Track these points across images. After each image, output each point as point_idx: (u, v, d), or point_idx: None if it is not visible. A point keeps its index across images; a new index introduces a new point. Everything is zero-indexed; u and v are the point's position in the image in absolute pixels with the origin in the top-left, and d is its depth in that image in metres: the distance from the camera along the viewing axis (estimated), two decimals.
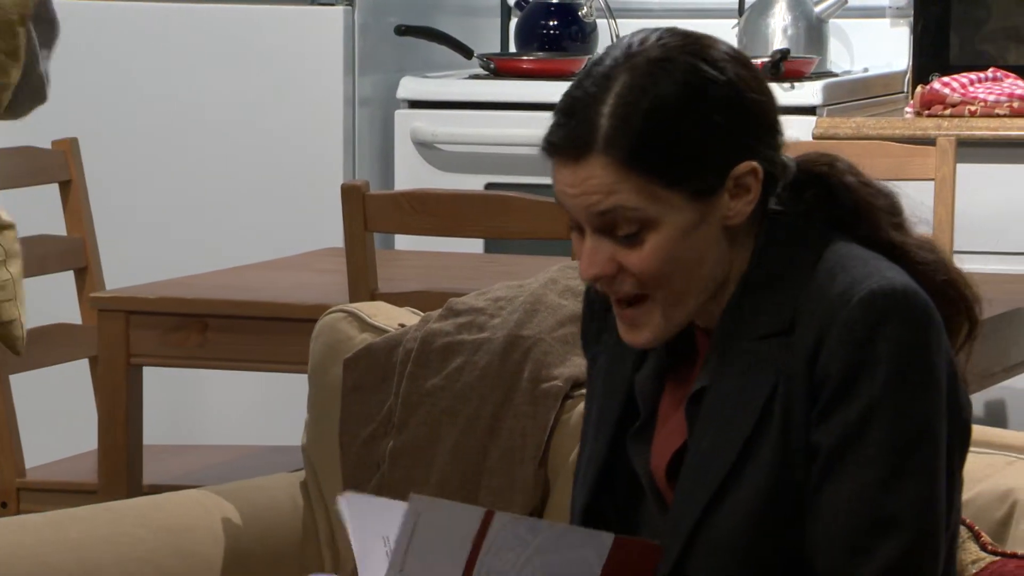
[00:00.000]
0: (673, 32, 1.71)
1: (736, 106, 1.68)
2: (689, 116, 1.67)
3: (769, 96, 1.71)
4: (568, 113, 1.69)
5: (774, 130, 1.71)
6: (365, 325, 2.30)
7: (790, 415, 1.67)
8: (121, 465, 2.98)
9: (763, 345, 1.69)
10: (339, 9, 4.05)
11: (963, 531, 1.79)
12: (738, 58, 1.71)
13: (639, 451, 1.76)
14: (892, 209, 1.74)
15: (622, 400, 1.78)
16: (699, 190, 1.67)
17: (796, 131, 3.78)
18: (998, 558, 1.75)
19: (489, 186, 3.98)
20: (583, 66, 1.75)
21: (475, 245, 3.83)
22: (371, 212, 2.87)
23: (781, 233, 1.72)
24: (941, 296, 1.71)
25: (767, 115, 1.71)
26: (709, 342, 1.73)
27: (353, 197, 2.87)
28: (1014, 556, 1.75)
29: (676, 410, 1.75)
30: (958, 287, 1.73)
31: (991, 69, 3.82)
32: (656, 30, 1.71)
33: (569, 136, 1.68)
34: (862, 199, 1.73)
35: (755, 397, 1.68)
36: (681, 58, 1.68)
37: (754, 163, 1.69)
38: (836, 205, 1.73)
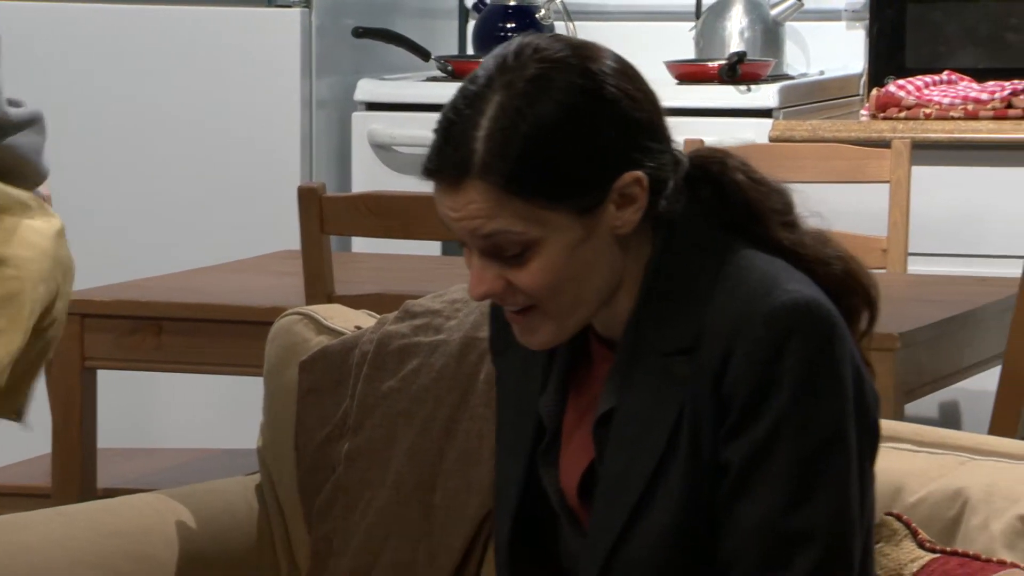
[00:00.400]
0: (551, 43, 1.66)
1: (617, 119, 1.65)
2: (568, 136, 1.64)
3: (652, 101, 1.68)
4: (445, 137, 1.66)
5: (659, 134, 1.68)
6: (321, 327, 2.30)
7: (699, 433, 1.67)
8: (75, 469, 2.96)
9: (669, 362, 1.68)
10: (296, 11, 4.04)
11: (900, 529, 1.80)
12: (618, 66, 1.67)
13: (548, 471, 1.76)
14: (783, 208, 1.72)
15: (533, 420, 1.77)
16: (583, 207, 1.65)
17: (752, 134, 3.80)
18: (938, 555, 1.76)
19: None
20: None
21: (432, 247, 3.83)
22: (328, 214, 2.86)
23: (678, 238, 1.70)
24: (839, 287, 1.70)
25: (650, 122, 1.68)
26: (614, 358, 1.72)
27: (310, 199, 2.87)
28: (955, 553, 1.76)
29: (580, 425, 1.75)
30: (856, 276, 1.72)
31: (946, 72, 3.84)
32: (532, 40, 1.67)
33: (446, 161, 1.65)
34: (752, 198, 1.71)
35: (664, 416, 1.68)
36: (558, 75, 1.64)
37: (637, 173, 1.66)
38: (728, 204, 1.71)
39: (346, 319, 2.32)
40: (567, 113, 1.64)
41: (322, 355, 2.25)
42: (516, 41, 1.67)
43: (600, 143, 1.65)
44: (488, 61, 1.67)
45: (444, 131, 1.66)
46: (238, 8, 4.05)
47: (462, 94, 1.66)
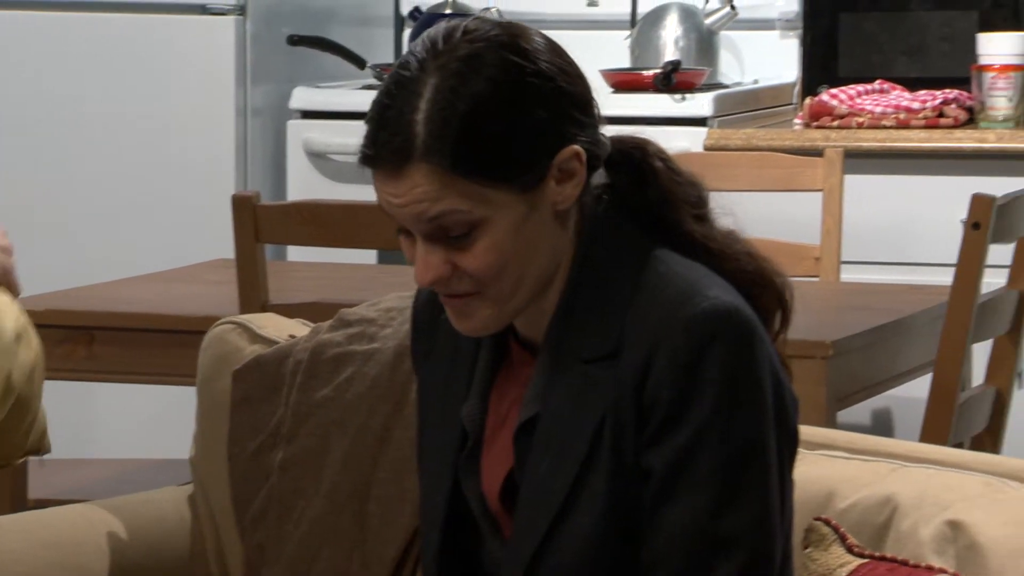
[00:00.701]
0: (479, 24, 1.67)
1: (552, 94, 1.66)
2: (506, 112, 1.64)
3: (582, 76, 1.70)
4: (381, 123, 1.65)
5: (590, 109, 1.70)
6: (255, 336, 2.29)
7: (621, 438, 1.67)
8: (5, 479, 2.94)
9: (590, 368, 1.68)
10: (230, 19, 4.03)
11: (829, 534, 1.81)
12: (547, 43, 1.68)
13: (470, 478, 1.76)
14: (697, 201, 1.73)
15: (458, 427, 1.77)
16: (525, 183, 1.66)
17: (687, 142, 3.81)
18: (867, 560, 1.78)
19: None
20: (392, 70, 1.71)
21: (368, 256, 3.83)
22: (262, 223, 2.86)
23: (602, 232, 1.71)
24: (751, 285, 1.71)
25: (583, 96, 1.69)
26: (535, 364, 1.72)
27: (244, 208, 2.86)
28: (884, 559, 1.78)
29: (501, 431, 1.75)
30: (767, 275, 1.73)
31: (878, 81, 3.86)
32: (459, 23, 1.68)
33: (387, 147, 1.64)
34: (668, 187, 1.72)
35: (587, 422, 1.68)
36: (491, 53, 1.65)
37: (576, 147, 1.67)
38: (645, 191, 1.72)
39: (280, 328, 2.32)
40: (504, 89, 1.64)
41: (255, 364, 2.25)
42: (443, 25, 1.68)
43: (538, 118, 1.65)
44: (416, 46, 1.67)
45: (379, 117, 1.65)
46: (172, 16, 4.04)
47: (394, 80, 1.66)
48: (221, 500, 2.23)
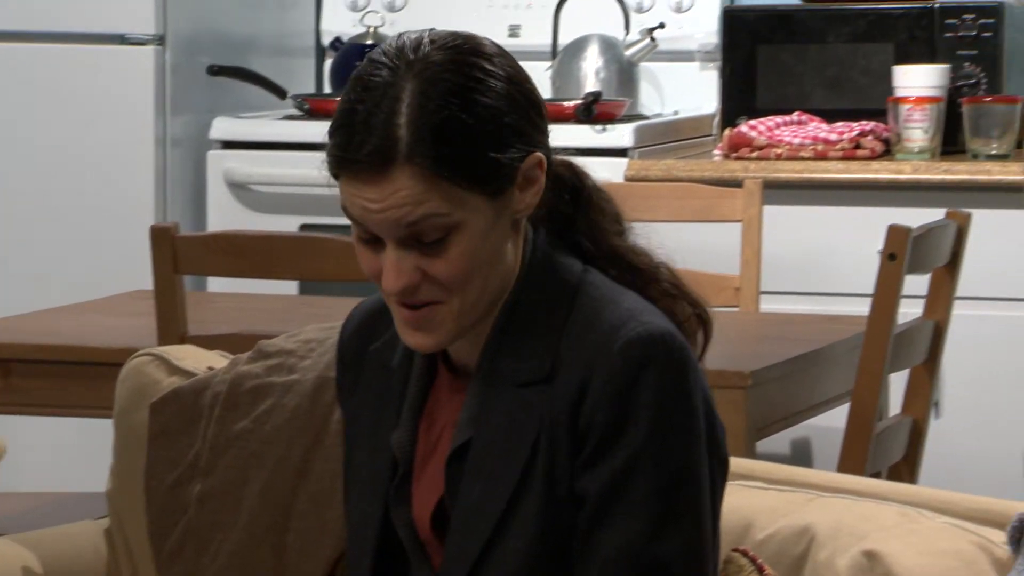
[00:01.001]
0: (439, 33, 1.70)
1: (517, 100, 1.69)
2: (481, 116, 1.66)
3: (536, 87, 1.73)
4: (357, 128, 1.65)
5: (546, 119, 1.73)
6: (173, 368, 2.28)
7: (554, 463, 1.68)
8: None
9: (525, 393, 1.69)
10: (149, 49, 4.01)
11: (747, 565, 1.82)
12: (504, 52, 1.72)
13: (400, 507, 1.76)
14: (617, 217, 1.77)
15: (388, 457, 1.77)
16: (496, 188, 1.68)
17: (608, 173, 3.82)
18: None
19: (304, 227, 3.96)
20: (352, 80, 1.71)
21: (289, 287, 3.81)
22: (181, 254, 2.84)
23: (540, 254, 1.72)
24: (672, 301, 1.74)
25: (541, 104, 1.72)
26: (468, 388, 1.72)
27: (162, 239, 2.84)
28: None
29: (431, 457, 1.75)
30: (685, 291, 1.75)
31: (796, 113, 3.89)
32: (421, 33, 1.70)
33: (367, 151, 1.64)
34: (597, 204, 1.75)
35: (521, 446, 1.69)
36: (461, 59, 1.67)
37: (539, 154, 1.70)
38: (576, 207, 1.75)
39: (199, 360, 2.30)
40: (476, 93, 1.66)
41: (173, 396, 2.23)
42: (404, 36, 1.69)
43: (510, 122, 1.68)
44: (381, 57, 1.67)
45: (353, 123, 1.65)
46: (91, 46, 4.02)
47: (363, 87, 1.66)
48: (138, 534, 2.21)
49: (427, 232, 1.66)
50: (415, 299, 1.68)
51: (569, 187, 1.75)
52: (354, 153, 1.65)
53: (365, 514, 1.78)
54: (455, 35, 1.70)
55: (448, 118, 1.65)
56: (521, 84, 1.70)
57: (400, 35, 1.70)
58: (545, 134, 1.72)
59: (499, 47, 1.72)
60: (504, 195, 1.68)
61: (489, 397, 1.70)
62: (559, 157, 1.77)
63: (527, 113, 1.69)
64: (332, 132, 1.68)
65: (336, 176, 1.68)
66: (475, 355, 1.73)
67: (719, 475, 1.72)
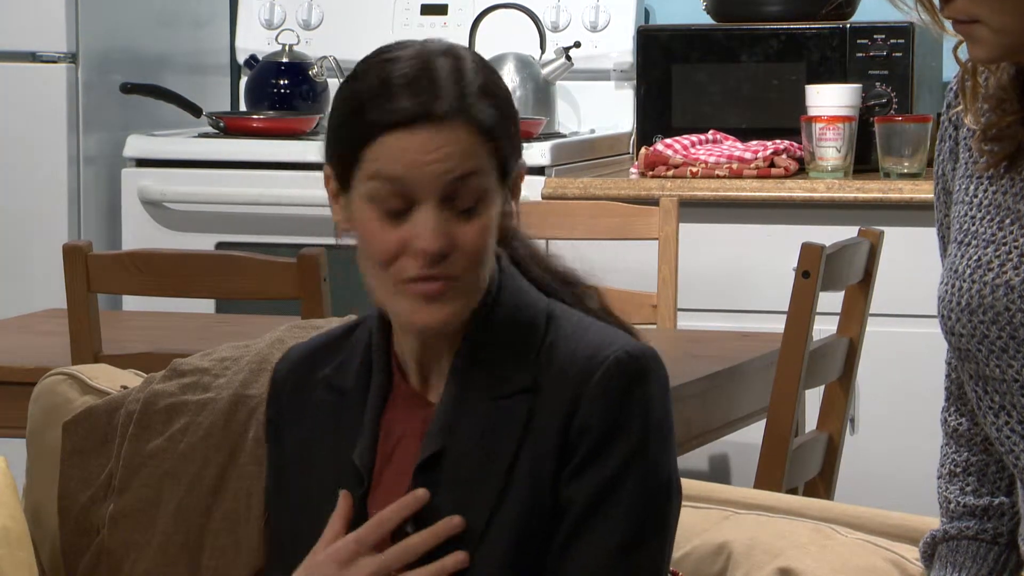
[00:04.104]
0: (441, 40, 1.75)
1: (516, 108, 1.75)
2: (511, 101, 1.73)
3: None
4: (420, 85, 1.68)
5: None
6: (86, 387, 2.26)
7: (537, 473, 1.70)
8: None
9: (503, 404, 1.71)
10: (61, 67, 3.99)
11: None
12: None
13: (359, 520, 1.76)
14: (537, 244, 1.80)
15: (351, 473, 1.77)
16: (506, 175, 1.71)
17: (526, 191, 3.82)
18: None
19: (220, 245, 3.94)
20: (375, 59, 1.74)
21: (206, 305, 3.79)
22: (94, 272, 2.82)
23: (508, 274, 1.75)
24: (608, 321, 1.76)
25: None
26: (440, 399, 1.73)
27: (75, 257, 2.82)
28: None
29: (386, 468, 1.76)
30: (613, 314, 1.78)
31: (711, 131, 3.92)
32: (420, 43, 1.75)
33: (431, 101, 1.68)
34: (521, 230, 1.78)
35: (498, 457, 1.70)
36: (481, 58, 1.74)
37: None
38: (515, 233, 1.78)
39: (112, 379, 2.29)
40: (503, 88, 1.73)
41: (86, 415, 2.22)
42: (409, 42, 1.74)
43: (518, 121, 1.73)
44: (405, 48, 1.71)
45: (418, 81, 1.69)
46: (2, 64, 3.98)
47: (420, 59, 1.70)
48: (51, 553, 2.20)
49: (465, 195, 1.68)
50: (438, 270, 1.69)
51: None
52: (418, 104, 1.68)
53: (313, 531, 1.77)
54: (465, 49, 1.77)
55: (498, 89, 1.71)
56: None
57: (424, 42, 1.74)
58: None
59: None
60: (505, 189, 1.71)
61: (463, 408, 1.72)
62: None
63: (519, 124, 1.75)
64: (371, 97, 1.68)
65: (367, 140, 1.68)
66: (443, 367, 1.74)
67: (677, 498, 1.74)
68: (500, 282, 1.74)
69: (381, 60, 1.71)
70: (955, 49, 1.70)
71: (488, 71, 1.72)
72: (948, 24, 1.66)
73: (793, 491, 2.98)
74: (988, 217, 1.70)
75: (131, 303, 3.82)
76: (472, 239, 1.69)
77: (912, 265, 3.55)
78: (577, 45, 4.18)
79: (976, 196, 1.71)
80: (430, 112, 1.68)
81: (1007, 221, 1.68)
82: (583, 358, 1.70)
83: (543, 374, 1.71)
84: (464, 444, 1.71)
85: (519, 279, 1.76)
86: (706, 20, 4.03)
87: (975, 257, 1.69)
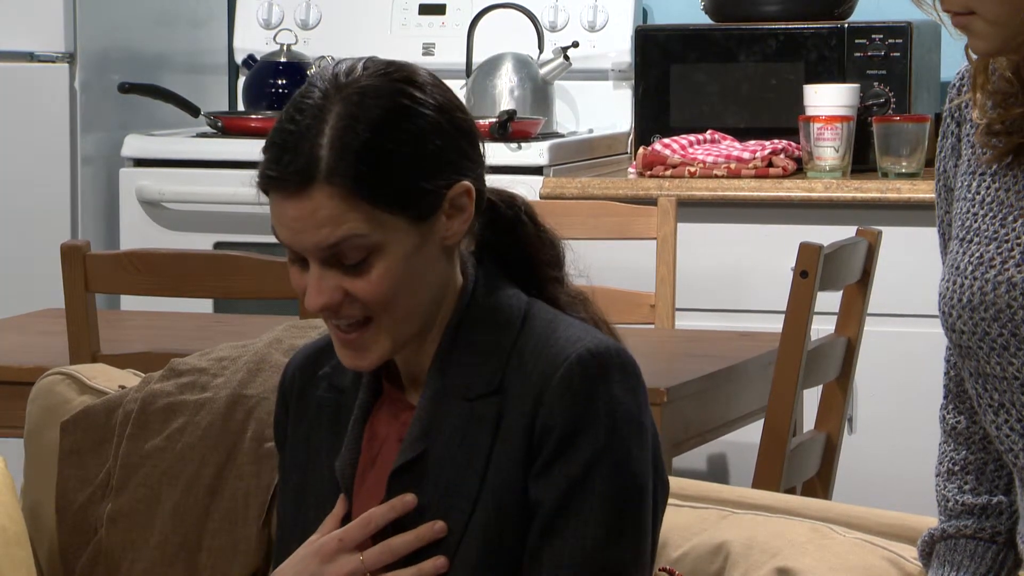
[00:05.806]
0: (376, 60, 1.74)
1: (446, 128, 1.72)
2: (405, 141, 1.70)
3: (471, 117, 1.76)
4: (285, 147, 1.69)
5: (479, 149, 1.76)
6: (84, 387, 2.26)
7: (509, 474, 1.70)
8: None
9: (475, 406, 1.71)
10: (60, 67, 3.98)
11: None
12: (438, 82, 1.75)
13: (343, 520, 1.76)
14: (554, 261, 1.79)
15: (332, 470, 1.78)
16: (419, 213, 1.70)
17: (523, 191, 3.81)
18: None
19: (218, 245, 3.94)
20: (290, 101, 1.75)
21: (205, 305, 3.79)
22: (92, 272, 2.82)
23: (485, 274, 1.75)
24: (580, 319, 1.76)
25: (473, 134, 1.75)
26: (418, 403, 1.74)
27: (73, 257, 2.82)
28: None
29: (370, 470, 1.76)
30: (586, 300, 1.78)
31: (709, 131, 3.92)
32: (358, 60, 1.74)
33: (291, 170, 1.68)
34: (530, 244, 1.78)
35: (475, 459, 1.71)
36: (390, 86, 1.71)
37: (467, 183, 1.73)
38: (509, 243, 1.77)
39: (110, 378, 2.29)
40: (401, 119, 1.70)
41: (84, 415, 2.22)
42: (341, 62, 1.74)
43: (434, 148, 1.71)
44: (317, 80, 1.72)
45: (285, 142, 1.70)
46: (1, 64, 3.98)
47: (296, 108, 1.71)
48: (49, 553, 2.20)
49: (348, 253, 1.68)
50: (339, 318, 1.70)
51: (506, 220, 1.77)
52: (278, 170, 1.69)
53: (314, 529, 1.78)
54: (390, 63, 1.74)
55: (370, 141, 1.68)
56: (452, 113, 1.72)
57: (339, 61, 1.74)
58: (477, 163, 1.74)
59: (434, 77, 1.75)
60: (429, 221, 1.70)
61: (439, 412, 1.72)
62: (506, 190, 1.79)
63: (456, 142, 1.72)
64: (263, 150, 1.72)
65: (265, 193, 1.72)
66: (422, 367, 1.75)
67: (660, 496, 1.74)
68: (476, 284, 1.74)
69: (287, 103, 1.72)
70: (967, 47, 1.71)
71: (374, 114, 1.67)
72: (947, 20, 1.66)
73: (791, 491, 2.98)
74: (991, 214, 1.70)
75: (129, 303, 3.82)
76: (365, 290, 1.69)
77: (910, 265, 3.55)
78: (575, 45, 4.18)
79: (979, 193, 1.71)
80: (285, 180, 1.68)
81: (1010, 218, 1.68)
82: (548, 357, 1.70)
83: (512, 375, 1.71)
84: (441, 447, 1.72)
85: (498, 279, 1.75)
86: (704, 20, 4.03)
87: (977, 254, 1.69)
